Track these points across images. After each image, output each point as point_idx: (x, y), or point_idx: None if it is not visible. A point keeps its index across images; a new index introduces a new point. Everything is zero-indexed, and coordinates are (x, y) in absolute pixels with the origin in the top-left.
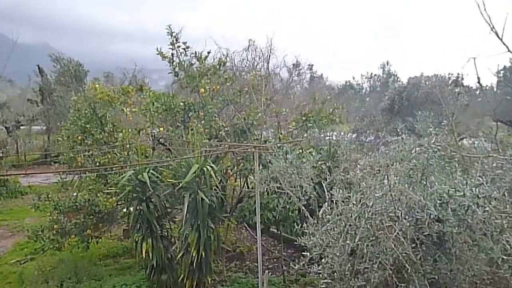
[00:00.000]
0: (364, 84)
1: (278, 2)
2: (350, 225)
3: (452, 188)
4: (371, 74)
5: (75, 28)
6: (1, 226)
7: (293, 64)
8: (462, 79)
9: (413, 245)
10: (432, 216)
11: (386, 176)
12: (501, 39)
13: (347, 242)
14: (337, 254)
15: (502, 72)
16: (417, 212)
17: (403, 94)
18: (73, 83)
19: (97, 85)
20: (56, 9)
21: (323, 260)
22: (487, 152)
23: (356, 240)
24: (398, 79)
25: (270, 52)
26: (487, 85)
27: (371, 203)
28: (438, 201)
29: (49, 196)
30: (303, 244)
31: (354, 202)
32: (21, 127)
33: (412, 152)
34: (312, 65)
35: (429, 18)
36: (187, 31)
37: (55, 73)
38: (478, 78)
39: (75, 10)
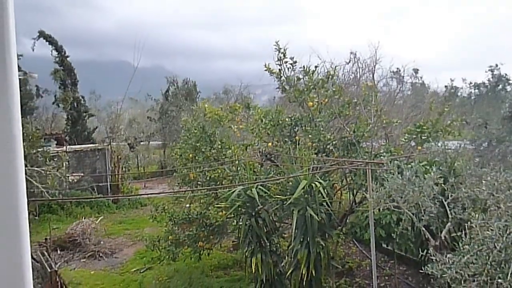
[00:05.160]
0: (467, 90)
1: None
2: (494, 257)
3: None
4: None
5: (182, 50)
6: (124, 234)
7: (395, 72)
8: None
9: None
10: None
11: None
12: None
13: (493, 274)
14: None
15: None
16: None
17: None
18: (185, 103)
19: (206, 105)
20: (166, 35)
21: None
22: None
23: (502, 272)
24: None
25: (375, 62)
26: None
27: None
28: None
29: (165, 208)
30: (430, 273)
31: (495, 229)
32: (141, 143)
33: None
34: (414, 74)
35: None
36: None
37: (170, 94)
38: None
39: (180, 34)
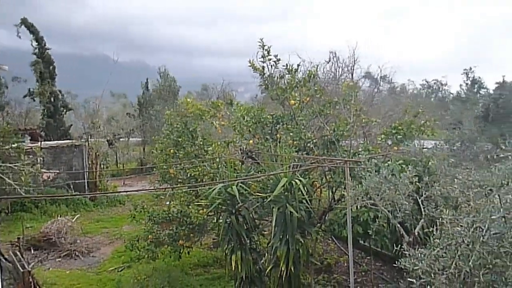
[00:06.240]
0: (444, 92)
1: None
2: (462, 251)
3: None
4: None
5: (164, 46)
6: (102, 233)
7: (367, 72)
8: None
9: None
10: None
11: (498, 196)
12: None
13: (460, 267)
14: (446, 282)
15: None
16: None
17: (499, 101)
18: (170, 97)
19: (188, 100)
20: (148, 30)
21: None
22: None
23: (469, 265)
24: (485, 86)
25: (354, 63)
26: None
27: (485, 227)
28: None
29: (144, 207)
30: (402, 267)
31: (464, 225)
32: (120, 139)
33: None
34: (391, 75)
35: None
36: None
37: (156, 86)
38: None
39: (162, 30)
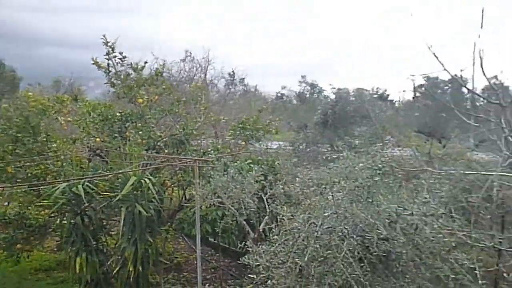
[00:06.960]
0: (293, 97)
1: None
2: (298, 245)
3: (400, 206)
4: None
5: (3, 33)
6: None
7: (229, 74)
8: (388, 93)
9: (361, 264)
10: (380, 236)
11: (331, 194)
12: (436, 57)
13: (296, 260)
14: (284, 275)
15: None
16: (363, 230)
17: (336, 108)
18: (8, 90)
19: (30, 93)
20: None
21: (269, 282)
22: (420, 165)
23: (305, 259)
24: (323, 91)
25: (208, 63)
26: (403, 100)
27: (319, 222)
28: (386, 220)
29: None
30: (247, 263)
31: (301, 221)
32: None
33: (356, 168)
34: (244, 77)
35: None
36: (122, 39)
37: None
38: (416, 91)
39: (9, 15)
